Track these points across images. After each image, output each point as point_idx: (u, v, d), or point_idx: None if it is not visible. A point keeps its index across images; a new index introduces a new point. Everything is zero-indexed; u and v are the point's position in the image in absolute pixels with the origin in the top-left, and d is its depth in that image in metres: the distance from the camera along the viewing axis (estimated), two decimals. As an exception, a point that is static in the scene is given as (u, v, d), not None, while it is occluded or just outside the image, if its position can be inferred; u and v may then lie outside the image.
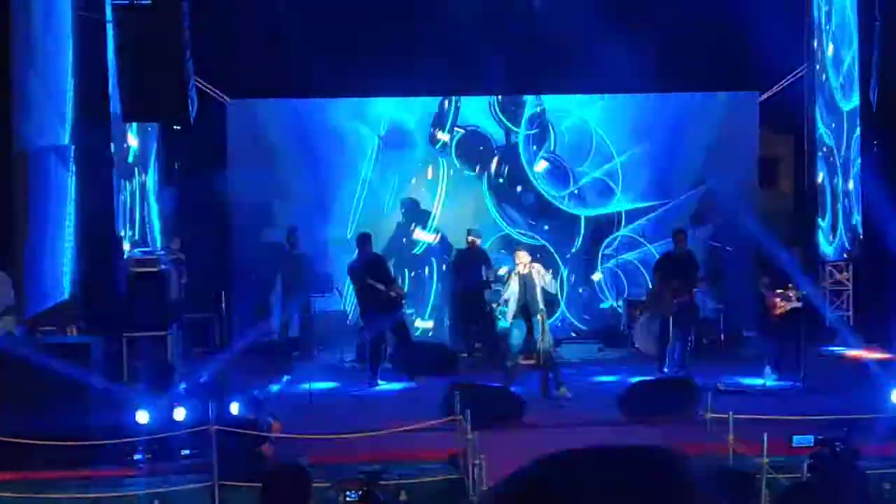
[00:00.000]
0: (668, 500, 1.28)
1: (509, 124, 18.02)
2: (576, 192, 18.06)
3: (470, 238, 16.01)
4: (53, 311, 11.54)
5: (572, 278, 18.02)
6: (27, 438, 9.30)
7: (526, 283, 12.94)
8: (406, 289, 16.22)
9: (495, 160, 18.03)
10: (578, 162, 18.10)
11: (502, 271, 13.69)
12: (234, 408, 10.03)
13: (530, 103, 18.09)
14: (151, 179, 17.23)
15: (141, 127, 16.23)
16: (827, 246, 17.38)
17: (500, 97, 17.98)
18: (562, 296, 17.84)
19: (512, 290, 13.01)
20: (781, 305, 13.17)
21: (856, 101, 16.59)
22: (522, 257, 13.18)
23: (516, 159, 18.10)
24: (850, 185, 17.10)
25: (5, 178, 11.32)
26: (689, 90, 17.97)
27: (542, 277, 12.98)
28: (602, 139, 18.06)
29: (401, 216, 17.78)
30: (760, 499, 8.29)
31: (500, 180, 18.04)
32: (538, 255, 15.18)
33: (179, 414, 10.14)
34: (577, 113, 18.12)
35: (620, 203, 18.01)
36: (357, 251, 14.50)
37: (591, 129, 18.06)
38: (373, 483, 8.38)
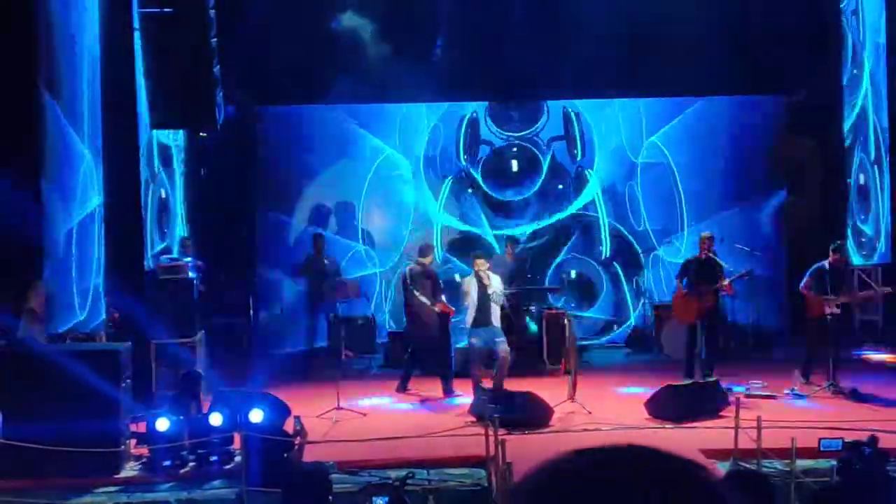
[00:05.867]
0: (690, 501, 1.29)
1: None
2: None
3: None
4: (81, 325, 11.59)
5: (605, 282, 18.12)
6: (57, 445, 9.35)
7: (483, 289, 12.82)
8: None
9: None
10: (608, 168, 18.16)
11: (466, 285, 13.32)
12: (261, 414, 10.04)
13: (554, 107, 18.10)
14: (178, 186, 17.31)
15: (168, 134, 16.31)
16: (856, 251, 17.27)
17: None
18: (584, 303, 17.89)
19: (472, 298, 12.84)
20: (821, 310, 13.12)
21: (884, 105, 16.51)
22: (480, 264, 12.99)
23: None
24: (879, 189, 17.00)
25: (34, 191, 11.40)
26: (715, 94, 17.92)
27: (492, 283, 12.84)
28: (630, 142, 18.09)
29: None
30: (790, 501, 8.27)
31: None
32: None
33: (216, 419, 10.15)
34: (601, 117, 18.13)
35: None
36: (415, 260, 14.13)
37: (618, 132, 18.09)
38: (400, 488, 8.40)
